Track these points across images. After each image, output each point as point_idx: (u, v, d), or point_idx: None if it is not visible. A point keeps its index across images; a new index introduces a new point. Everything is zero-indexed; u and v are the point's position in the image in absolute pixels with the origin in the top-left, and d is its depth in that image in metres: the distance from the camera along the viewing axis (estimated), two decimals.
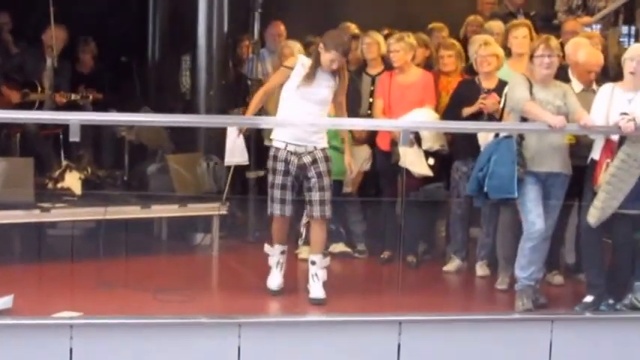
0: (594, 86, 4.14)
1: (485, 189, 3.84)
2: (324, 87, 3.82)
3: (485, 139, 4.09)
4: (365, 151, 4.76)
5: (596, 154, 3.90)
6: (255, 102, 3.95)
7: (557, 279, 4.34)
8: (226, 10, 5.28)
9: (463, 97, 4.37)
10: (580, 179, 3.97)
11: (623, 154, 3.77)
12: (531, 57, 3.91)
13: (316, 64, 3.78)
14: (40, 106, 5.08)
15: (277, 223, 3.95)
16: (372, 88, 4.79)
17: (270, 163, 3.90)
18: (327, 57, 3.75)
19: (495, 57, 4.31)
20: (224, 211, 4.73)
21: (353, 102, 4.65)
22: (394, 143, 4.46)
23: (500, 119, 4.13)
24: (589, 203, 3.82)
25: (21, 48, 5.41)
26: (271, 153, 3.90)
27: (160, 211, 4.69)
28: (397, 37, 4.53)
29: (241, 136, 3.96)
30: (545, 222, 3.84)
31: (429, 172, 4.47)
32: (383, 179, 4.73)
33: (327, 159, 3.88)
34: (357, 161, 4.79)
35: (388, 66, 4.76)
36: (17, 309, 3.52)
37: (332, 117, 4.58)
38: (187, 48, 5.34)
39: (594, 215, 3.78)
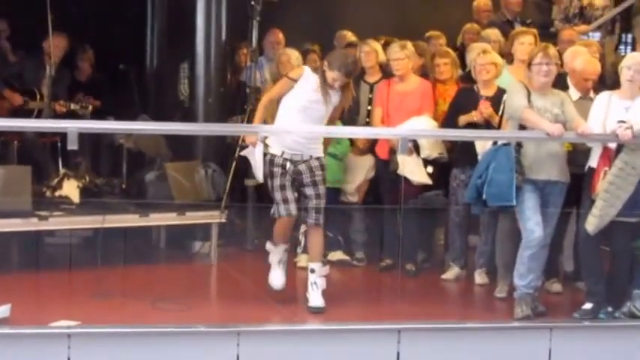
0: (592, 94, 4.16)
1: (484, 197, 3.85)
2: (330, 104, 3.86)
3: (483, 146, 4.10)
4: (368, 160, 4.78)
5: (593, 162, 3.92)
6: (260, 112, 3.96)
7: (556, 287, 4.34)
8: (224, 18, 5.29)
9: (462, 105, 4.39)
10: (578, 187, 3.98)
11: (621, 162, 3.78)
12: (529, 65, 3.93)
13: (324, 82, 3.81)
14: (39, 114, 5.07)
15: (281, 223, 3.93)
16: (370, 96, 4.80)
17: (266, 169, 3.92)
18: (330, 75, 3.80)
19: (494, 65, 4.33)
20: (223, 219, 4.73)
21: (351, 110, 4.67)
22: (393, 152, 4.47)
23: (498, 127, 4.14)
24: (587, 211, 3.84)
25: (19, 56, 5.40)
26: (267, 159, 3.92)
27: (159, 219, 4.68)
28: (400, 45, 4.55)
29: (260, 145, 3.91)
30: (543, 230, 3.85)
31: (429, 181, 4.48)
32: (381, 187, 4.73)
33: (322, 167, 3.91)
34: (362, 171, 4.80)
35: (386, 74, 4.77)
36: (14, 318, 3.50)
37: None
38: (186, 56, 5.34)
39: (592, 223, 3.79)
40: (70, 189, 4.62)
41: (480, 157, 4.06)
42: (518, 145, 3.88)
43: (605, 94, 3.93)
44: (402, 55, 4.52)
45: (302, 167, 3.86)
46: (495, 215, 4.22)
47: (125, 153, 5.16)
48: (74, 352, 3.37)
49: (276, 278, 3.93)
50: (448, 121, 4.42)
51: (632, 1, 5.69)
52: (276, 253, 3.96)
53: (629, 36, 5.88)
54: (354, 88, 4.85)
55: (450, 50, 4.85)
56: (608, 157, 3.84)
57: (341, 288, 4.42)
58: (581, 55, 4.27)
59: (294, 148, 3.86)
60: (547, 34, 5.31)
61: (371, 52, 4.83)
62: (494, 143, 3.97)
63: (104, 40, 5.66)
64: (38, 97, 5.10)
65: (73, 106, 5.10)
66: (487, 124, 4.28)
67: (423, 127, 4.40)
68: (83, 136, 3.67)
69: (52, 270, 4.24)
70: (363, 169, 4.78)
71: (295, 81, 3.85)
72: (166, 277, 4.55)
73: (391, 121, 4.53)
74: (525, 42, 4.50)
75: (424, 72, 4.88)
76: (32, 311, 3.66)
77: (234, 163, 4.77)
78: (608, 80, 4.55)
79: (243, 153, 4.02)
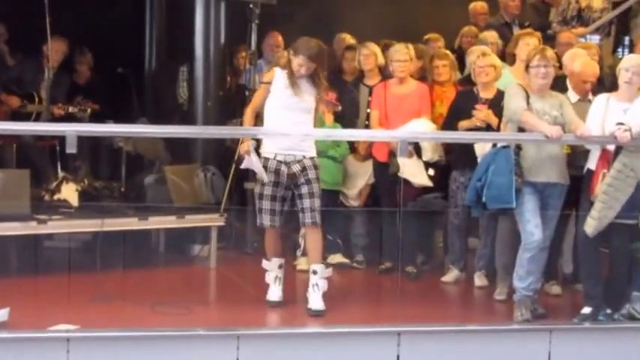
0: (590, 96, 4.17)
1: (484, 199, 3.85)
2: (307, 95, 3.86)
3: (482, 149, 4.10)
4: (368, 165, 4.77)
5: (592, 164, 3.92)
6: (247, 124, 3.98)
7: (555, 289, 4.34)
8: (223, 21, 5.30)
9: (462, 108, 4.39)
10: (577, 189, 3.98)
11: (620, 164, 3.79)
12: (527, 67, 3.93)
13: (292, 72, 3.83)
14: (37, 118, 5.07)
15: (268, 234, 3.95)
16: (369, 99, 4.80)
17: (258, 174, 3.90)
18: (295, 62, 3.82)
19: (493, 68, 4.33)
20: (222, 223, 4.72)
21: (351, 113, 4.67)
22: (392, 154, 4.47)
23: (497, 129, 4.14)
24: (586, 213, 3.83)
25: (17, 59, 5.40)
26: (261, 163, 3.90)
27: (158, 222, 4.67)
28: (404, 47, 4.55)
29: (254, 153, 3.89)
30: (543, 232, 3.85)
31: (429, 183, 4.48)
32: (380, 190, 4.73)
33: (315, 167, 3.91)
34: (364, 176, 4.80)
35: (385, 77, 4.78)
36: (13, 322, 3.49)
37: (328, 127, 4.61)
38: (184, 59, 5.34)
39: (591, 225, 3.79)
40: (69, 192, 4.62)
41: (479, 160, 4.06)
42: (518, 148, 3.88)
43: (603, 97, 3.93)
44: (407, 56, 4.52)
45: (296, 168, 3.86)
46: (495, 218, 4.22)
47: (124, 156, 5.16)
48: (73, 356, 3.35)
49: (274, 294, 3.94)
50: (448, 123, 4.42)
51: (630, 3, 5.70)
52: (271, 270, 3.96)
53: (627, 38, 5.90)
54: (354, 91, 4.88)
55: (448, 52, 4.86)
56: (607, 159, 3.84)
57: (341, 291, 4.42)
58: (580, 58, 4.27)
59: (287, 147, 3.85)
60: (545, 37, 5.31)
61: (370, 54, 4.83)
62: (494, 146, 3.98)
63: (103, 43, 5.66)
64: (37, 100, 5.10)
65: (71, 110, 5.10)
66: (487, 127, 4.28)
67: (423, 129, 4.41)
68: (82, 140, 3.67)
69: (51, 274, 4.23)
70: (365, 174, 4.78)
71: (270, 84, 3.88)
72: (166, 280, 4.55)
73: (390, 124, 4.53)
74: (531, 43, 4.49)
75: (423, 74, 4.89)
76: (31, 315, 3.65)
77: (233, 166, 4.77)
78: (606, 82, 4.56)
79: (243, 166, 4.01)
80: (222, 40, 5.30)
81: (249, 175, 4.78)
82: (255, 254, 4.69)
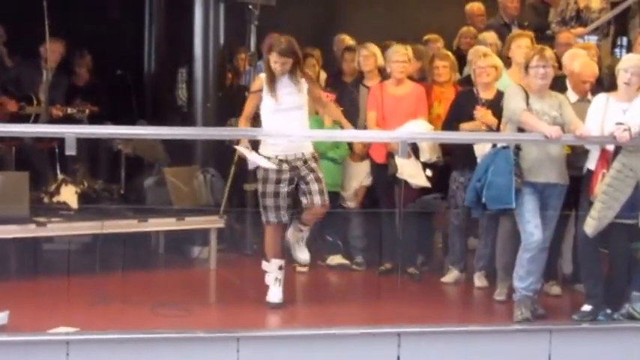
0: (589, 96, 4.17)
1: (484, 200, 3.85)
2: (287, 93, 3.90)
3: (482, 150, 4.10)
4: (366, 166, 4.77)
5: (591, 164, 3.92)
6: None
7: (555, 289, 4.34)
8: (222, 23, 5.29)
9: (462, 108, 4.39)
10: (576, 189, 3.98)
11: (619, 164, 3.79)
12: (526, 68, 3.93)
13: (270, 72, 3.90)
14: (36, 120, 5.06)
15: (271, 232, 3.96)
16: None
17: (261, 173, 3.93)
18: (271, 60, 3.90)
19: (494, 68, 4.33)
20: (222, 224, 4.72)
21: (351, 114, 4.66)
22: (390, 155, 4.47)
23: (497, 130, 4.14)
24: (585, 213, 3.83)
25: (16, 61, 5.40)
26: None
27: (157, 224, 4.67)
28: (402, 48, 4.55)
29: (251, 152, 3.94)
30: (542, 232, 3.84)
31: (427, 184, 4.48)
32: (378, 191, 4.73)
33: (315, 159, 3.99)
34: (358, 177, 4.80)
35: (385, 78, 4.77)
36: (13, 325, 3.49)
37: (328, 128, 4.61)
38: (184, 61, 5.34)
39: (591, 225, 3.79)
40: (69, 195, 4.61)
41: (479, 161, 4.06)
42: (517, 148, 3.88)
43: (602, 97, 3.93)
44: (406, 57, 4.53)
45: (298, 163, 3.92)
46: (495, 218, 4.21)
47: (123, 158, 5.16)
48: (73, 358, 3.35)
49: (274, 295, 3.94)
50: (448, 124, 4.42)
51: (629, 3, 5.70)
52: (271, 271, 3.96)
53: (624, 39, 5.90)
54: (354, 92, 4.88)
55: (449, 53, 4.86)
56: (606, 159, 3.84)
57: (341, 292, 4.42)
58: (579, 58, 4.28)
59: (287, 148, 3.90)
60: (544, 37, 5.31)
61: (369, 55, 4.83)
62: (494, 146, 3.98)
63: (102, 45, 5.66)
64: (35, 102, 5.10)
65: (69, 111, 5.09)
66: (488, 127, 4.28)
67: (421, 130, 4.41)
68: (81, 142, 3.66)
69: (51, 276, 4.23)
70: (360, 174, 4.77)
71: (260, 91, 3.95)
72: (165, 282, 4.54)
73: (387, 125, 4.53)
74: (522, 45, 4.51)
75: (422, 75, 4.89)
76: (30, 318, 3.64)
77: (232, 168, 4.77)
78: (605, 82, 4.56)
79: (251, 167, 4.02)
80: (222, 42, 5.30)
81: (248, 176, 4.78)
82: (254, 256, 4.68)
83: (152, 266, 4.81)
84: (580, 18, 5.65)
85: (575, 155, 4.05)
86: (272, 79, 3.89)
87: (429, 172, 4.47)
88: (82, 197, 4.67)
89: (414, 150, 4.41)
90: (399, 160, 4.37)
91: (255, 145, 3.96)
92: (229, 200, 4.80)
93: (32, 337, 3.43)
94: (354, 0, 6.53)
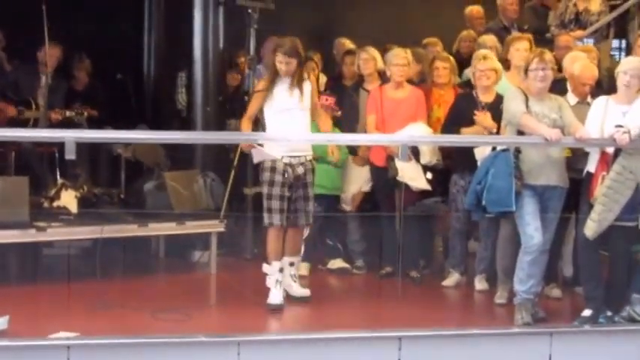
0: (589, 99, 4.17)
1: (484, 203, 3.85)
2: (291, 94, 3.93)
3: (482, 152, 4.10)
4: (366, 171, 4.77)
5: (591, 166, 3.92)
6: (244, 132, 4.05)
7: (556, 292, 4.34)
8: (222, 27, 5.30)
9: (461, 111, 4.39)
10: (576, 192, 3.98)
11: (619, 167, 3.79)
12: (526, 70, 3.94)
13: (274, 73, 3.94)
14: (35, 124, 5.06)
15: (273, 234, 3.97)
16: None
17: (267, 175, 3.94)
18: (277, 60, 3.95)
19: (494, 71, 4.34)
20: (222, 228, 4.72)
21: (351, 118, 4.66)
22: (390, 158, 4.47)
23: (497, 133, 4.15)
24: (586, 216, 3.84)
25: (14, 65, 5.40)
26: (267, 165, 3.94)
27: (158, 229, 4.66)
28: (402, 52, 4.56)
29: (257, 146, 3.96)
30: (543, 235, 3.85)
31: (428, 187, 4.48)
32: (378, 194, 4.72)
33: (313, 171, 4.03)
34: (358, 181, 4.79)
35: (385, 82, 4.78)
36: (13, 330, 3.48)
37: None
38: (183, 64, 5.35)
39: (591, 228, 3.79)
40: (68, 199, 4.60)
41: (479, 163, 4.06)
42: (517, 151, 3.88)
43: (602, 99, 3.94)
44: (405, 61, 4.54)
45: (300, 170, 3.95)
46: (495, 221, 4.21)
47: (123, 163, 5.15)
48: None
49: (275, 297, 3.95)
50: (447, 127, 4.42)
51: (628, 6, 5.71)
52: (272, 273, 3.97)
53: (623, 41, 5.91)
54: (354, 96, 4.89)
55: (450, 56, 4.87)
56: (606, 161, 3.85)
57: (341, 295, 4.41)
58: (579, 60, 4.28)
59: (293, 149, 3.92)
60: (543, 40, 5.33)
61: (369, 59, 4.83)
62: (493, 149, 3.98)
63: (102, 49, 5.66)
64: (34, 106, 5.10)
65: (68, 114, 5.09)
66: (488, 131, 4.28)
67: (421, 133, 4.41)
68: (81, 146, 3.66)
69: (51, 281, 4.22)
70: (359, 179, 4.77)
71: (264, 91, 3.97)
72: (166, 286, 4.54)
73: (386, 128, 4.53)
74: (521, 48, 4.52)
75: (422, 78, 4.89)
76: (31, 323, 3.64)
77: (232, 172, 4.77)
78: (604, 85, 4.56)
79: (256, 161, 4.05)
80: (221, 46, 5.31)
81: (248, 180, 4.77)
82: (255, 260, 4.68)
83: (152, 271, 4.81)
84: (579, 21, 5.66)
85: (575, 158, 4.05)
86: (276, 80, 3.90)
87: (429, 175, 4.47)
88: (82, 202, 4.66)
89: (414, 153, 4.41)
90: (399, 163, 4.37)
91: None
92: (229, 204, 4.80)
93: (32, 342, 3.42)
94: (353, 4, 6.55)
